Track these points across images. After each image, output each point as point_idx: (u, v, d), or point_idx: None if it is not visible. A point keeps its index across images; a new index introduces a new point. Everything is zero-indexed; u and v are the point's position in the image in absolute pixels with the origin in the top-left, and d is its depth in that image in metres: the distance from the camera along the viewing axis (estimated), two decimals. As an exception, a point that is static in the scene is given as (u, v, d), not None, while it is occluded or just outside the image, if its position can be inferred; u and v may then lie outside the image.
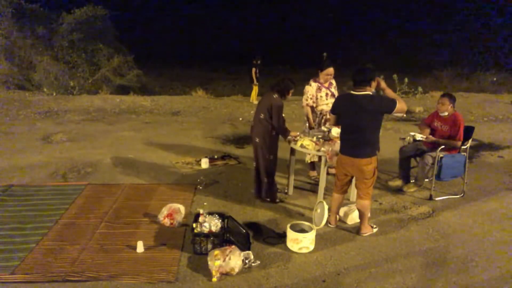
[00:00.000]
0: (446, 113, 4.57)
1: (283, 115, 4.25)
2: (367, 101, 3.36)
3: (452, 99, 4.55)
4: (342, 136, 3.65)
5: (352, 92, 3.48)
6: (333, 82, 4.92)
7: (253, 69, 11.41)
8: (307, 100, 4.84)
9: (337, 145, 4.06)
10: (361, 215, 3.76)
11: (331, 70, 4.71)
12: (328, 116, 4.73)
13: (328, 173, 4.80)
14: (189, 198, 4.56)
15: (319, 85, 4.81)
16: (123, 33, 17.45)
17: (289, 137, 4.35)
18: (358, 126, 3.43)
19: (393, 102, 3.36)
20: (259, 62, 11.59)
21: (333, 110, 3.72)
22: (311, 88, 4.82)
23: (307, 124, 4.79)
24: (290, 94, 4.30)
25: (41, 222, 3.93)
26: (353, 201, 4.43)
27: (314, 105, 4.84)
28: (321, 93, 4.81)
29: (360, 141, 3.47)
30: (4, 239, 3.61)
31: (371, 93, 3.42)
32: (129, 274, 3.10)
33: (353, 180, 3.90)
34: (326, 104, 4.80)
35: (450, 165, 4.47)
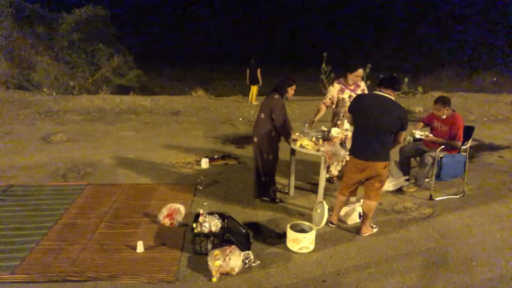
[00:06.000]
0: (444, 116, 4.57)
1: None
2: (394, 105, 3.37)
3: (446, 103, 4.51)
4: (358, 137, 3.54)
5: (376, 92, 3.48)
6: (361, 84, 4.81)
7: (258, 70, 11.31)
8: (325, 99, 4.85)
9: (336, 145, 4.06)
10: (364, 216, 3.75)
11: (360, 71, 4.64)
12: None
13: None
14: (189, 198, 4.56)
15: (343, 86, 4.73)
16: (123, 33, 17.46)
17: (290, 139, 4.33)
18: (379, 127, 3.34)
19: (407, 125, 3.41)
20: (252, 62, 11.47)
21: (351, 109, 3.61)
22: (332, 89, 4.79)
23: (306, 125, 4.78)
24: (291, 92, 4.28)
25: (41, 222, 3.93)
26: (353, 201, 4.43)
27: (333, 106, 4.82)
28: (343, 95, 4.71)
29: (379, 143, 3.40)
30: (4, 239, 3.61)
31: (394, 99, 3.44)
32: (129, 274, 3.10)
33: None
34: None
35: (450, 165, 4.47)
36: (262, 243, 3.61)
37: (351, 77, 4.68)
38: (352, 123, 3.71)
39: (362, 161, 3.50)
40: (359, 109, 3.52)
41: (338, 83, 4.80)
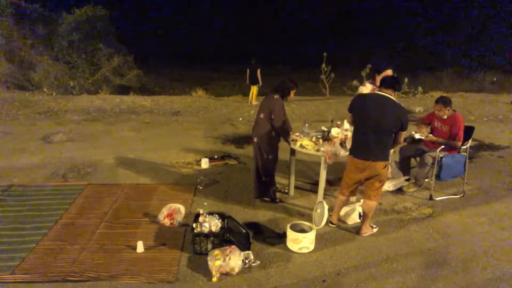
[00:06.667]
0: (445, 116, 4.57)
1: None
2: (395, 105, 3.38)
3: (447, 103, 4.50)
4: (358, 137, 3.54)
5: (377, 92, 3.49)
6: None
7: (258, 70, 11.30)
8: None
9: (336, 145, 4.06)
10: (364, 216, 3.75)
11: (389, 72, 4.25)
12: None
13: None
14: (189, 198, 4.56)
15: (374, 87, 4.38)
16: (123, 33, 17.46)
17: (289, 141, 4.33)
18: (379, 126, 3.35)
19: (407, 126, 3.42)
20: (253, 62, 11.46)
21: (351, 109, 3.59)
22: (364, 89, 4.44)
23: (306, 125, 4.78)
24: (292, 95, 4.29)
25: (41, 222, 3.93)
26: (353, 201, 4.43)
27: None
28: None
29: (379, 143, 3.41)
30: (4, 239, 3.61)
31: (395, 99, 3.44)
32: (129, 274, 3.10)
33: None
34: None
35: (450, 165, 4.47)
36: (262, 243, 3.62)
37: (379, 79, 4.18)
38: (352, 123, 3.70)
39: (362, 160, 3.50)
40: (360, 109, 3.52)
41: (370, 83, 4.48)
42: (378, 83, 4.31)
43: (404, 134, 3.51)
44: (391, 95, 3.42)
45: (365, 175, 3.56)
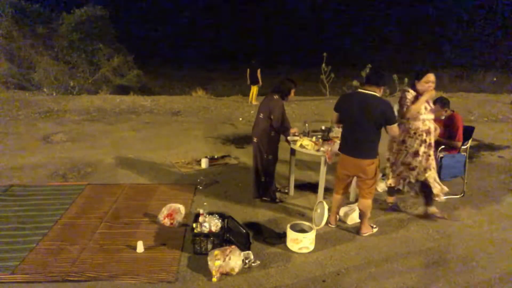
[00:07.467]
0: (443, 117, 4.57)
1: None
2: (376, 101, 3.38)
3: (445, 104, 4.50)
4: (345, 135, 3.61)
5: (360, 90, 3.49)
6: (432, 92, 3.92)
7: (259, 70, 11.29)
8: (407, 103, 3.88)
9: (336, 145, 4.06)
10: (362, 215, 3.76)
11: (431, 76, 3.80)
12: (424, 137, 3.90)
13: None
14: (189, 198, 4.56)
15: (417, 95, 3.88)
16: (123, 33, 17.48)
17: (289, 136, 4.34)
18: (363, 124, 3.39)
19: (394, 118, 3.42)
20: (253, 62, 11.44)
21: (338, 108, 3.64)
22: (408, 94, 3.89)
23: (306, 125, 4.76)
24: (293, 94, 4.30)
25: (41, 222, 3.93)
26: (353, 201, 4.43)
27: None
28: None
29: (364, 141, 3.45)
30: (4, 239, 3.61)
31: (379, 95, 3.45)
32: (129, 274, 3.10)
33: (353, 180, 3.91)
34: (422, 121, 3.88)
35: (450, 165, 4.47)
36: (262, 243, 3.62)
37: (420, 85, 3.86)
38: (337, 122, 3.76)
39: (349, 157, 3.56)
40: (344, 108, 3.58)
41: (414, 90, 3.93)
42: (419, 91, 3.90)
43: (395, 127, 3.47)
44: (375, 91, 3.42)
45: (354, 172, 3.60)
